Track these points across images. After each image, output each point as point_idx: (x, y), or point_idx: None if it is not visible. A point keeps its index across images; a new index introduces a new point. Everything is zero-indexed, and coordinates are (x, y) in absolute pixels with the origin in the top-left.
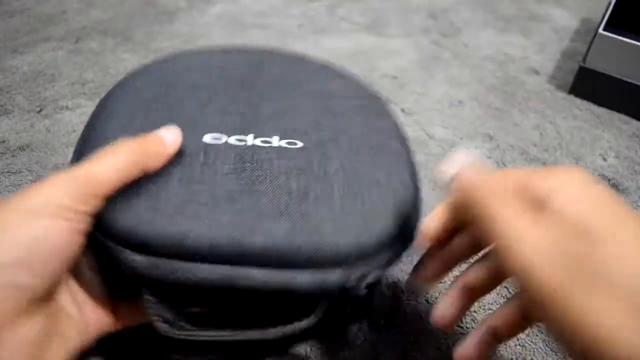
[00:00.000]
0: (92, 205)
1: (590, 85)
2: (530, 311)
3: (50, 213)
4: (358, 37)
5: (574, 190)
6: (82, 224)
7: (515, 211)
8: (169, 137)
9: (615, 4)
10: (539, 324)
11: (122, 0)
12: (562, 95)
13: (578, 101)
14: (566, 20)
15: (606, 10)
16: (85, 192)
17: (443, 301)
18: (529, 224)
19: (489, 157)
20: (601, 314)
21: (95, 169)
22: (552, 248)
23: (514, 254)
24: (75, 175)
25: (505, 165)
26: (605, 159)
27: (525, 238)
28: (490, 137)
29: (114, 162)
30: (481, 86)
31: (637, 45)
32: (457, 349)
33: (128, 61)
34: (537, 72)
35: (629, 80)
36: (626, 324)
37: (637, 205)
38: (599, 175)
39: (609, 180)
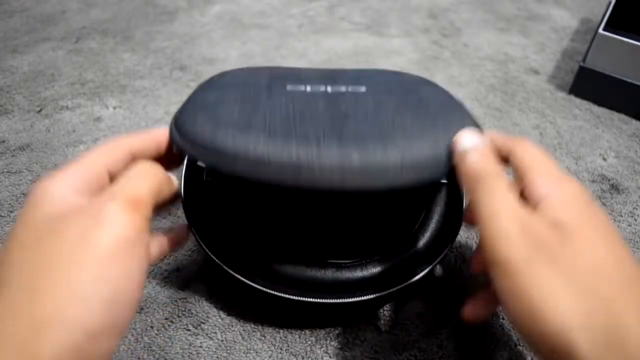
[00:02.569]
0: (149, 230)
1: (590, 85)
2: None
3: (121, 253)
4: (358, 37)
5: (567, 198)
6: (146, 258)
7: (505, 191)
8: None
9: (615, 4)
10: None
11: (122, 0)
12: (562, 95)
13: (578, 101)
14: (566, 20)
15: (606, 10)
16: (144, 218)
17: (474, 303)
18: (515, 206)
19: None
20: (553, 294)
21: (143, 193)
22: (525, 228)
23: (491, 222)
24: (127, 205)
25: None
26: (605, 159)
27: (505, 212)
28: None
29: (155, 186)
30: (481, 86)
31: (637, 45)
32: (464, 311)
33: (128, 61)
34: (537, 72)
35: (629, 80)
36: (575, 307)
37: (638, 205)
38: (599, 175)
39: (609, 180)
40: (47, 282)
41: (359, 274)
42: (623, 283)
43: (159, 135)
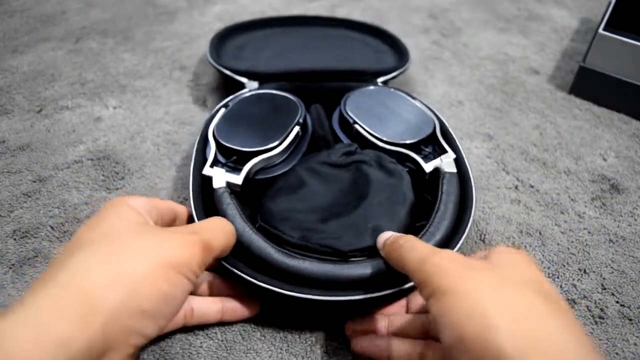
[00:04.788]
0: (203, 270)
1: (590, 85)
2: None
3: (184, 273)
4: None
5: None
6: (195, 284)
7: (422, 243)
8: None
9: (615, 4)
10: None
11: (122, 0)
12: (562, 95)
13: (578, 101)
14: (566, 20)
15: (606, 10)
16: (206, 262)
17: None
18: (435, 248)
19: (488, 157)
20: (480, 306)
21: (215, 243)
22: (453, 259)
23: (421, 266)
24: (202, 244)
25: (505, 164)
26: (605, 159)
27: (422, 246)
28: (490, 137)
29: (225, 242)
30: (481, 86)
31: (637, 45)
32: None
33: (128, 61)
34: (537, 72)
35: (629, 80)
36: (501, 315)
37: (638, 205)
38: (599, 175)
39: (609, 180)
40: (122, 267)
41: (357, 271)
42: (541, 294)
43: (184, 214)
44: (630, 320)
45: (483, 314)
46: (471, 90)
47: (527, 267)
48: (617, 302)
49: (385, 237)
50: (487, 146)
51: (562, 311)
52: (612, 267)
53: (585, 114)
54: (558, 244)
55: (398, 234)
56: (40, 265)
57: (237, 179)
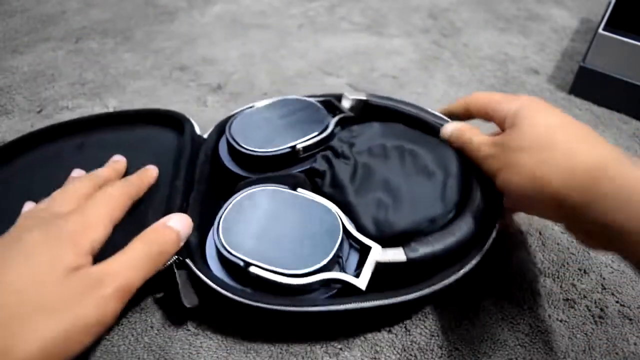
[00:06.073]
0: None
1: (590, 85)
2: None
3: (98, 331)
4: (358, 37)
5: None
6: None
7: (478, 133)
8: (184, 229)
9: (615, 4)
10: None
11: (122, 0)
12: (562, 95)
13: (578, 101)
14: (566, 20)
15: (606, 10)
16: (125, 305)
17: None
18: (488, 138)
19: None
20: (533, 169)
21: (136, 280)
22: (495, 144)
23: (477, 153)
24: (119, 295)
25: None
26: None
27: (483, 144)
28: None
29: (155, 265)
30: (481, 86)
31: (637, 45)
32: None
33: (128, 61)
34: (537, 72)
35: (629, 80)
36: (555, 170)
37: None
38: None
39: None
40: (36, 324)
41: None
42: (577, 134)
43: (151, 178)
44: (630, 320)
45: (533, 172)
46: (471, 90)
47: (548, 124)
48: (617, 301)
49: (449, 129)
50: None
51: (592, 136)
52: (612, 267)
53: (585, 114)
54: (558, 244)
55: (459, 128)
56: None
57: None
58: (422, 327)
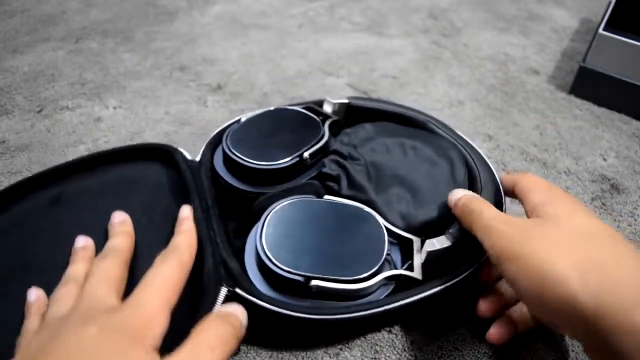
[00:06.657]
0: None
1: (590, 85)
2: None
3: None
4: (358, 37)
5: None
6: None
7: (490, 208)
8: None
9: (615, 4)
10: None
11: (122, 0)
12: (562, 95)
13: (578, 101)
14: (566, 20)
15: (606, 10)
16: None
17: (496, 327)
18: (501, 214)
19: (488, 157)
20: (548, 260)
21: None
22: (513, 223)
23: (485, 232)
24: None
25: (505, 165)
26: (605, 159)
27: (496, 221)
28: (490, 137)
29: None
30: (481, 86)
31: (637, 45)
32: (489, 332)
33: (128, 61)
34: (537, 72)
35: (629, 80)
36: (568, 265)
37: (638, 205)
38: (599, 175)
39: (609, 180)
40: None
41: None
42: (604, 241)
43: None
44: None
45: (553, 270)
46: (471, 91)
47: (578, 214)
48: None
49: (458, 196)
50: (487, 146)
51: (626, 250)
52: None
53: (585, 114)
54: None
55: (470, 195)
56: None
57: None
58: (422, 327)
